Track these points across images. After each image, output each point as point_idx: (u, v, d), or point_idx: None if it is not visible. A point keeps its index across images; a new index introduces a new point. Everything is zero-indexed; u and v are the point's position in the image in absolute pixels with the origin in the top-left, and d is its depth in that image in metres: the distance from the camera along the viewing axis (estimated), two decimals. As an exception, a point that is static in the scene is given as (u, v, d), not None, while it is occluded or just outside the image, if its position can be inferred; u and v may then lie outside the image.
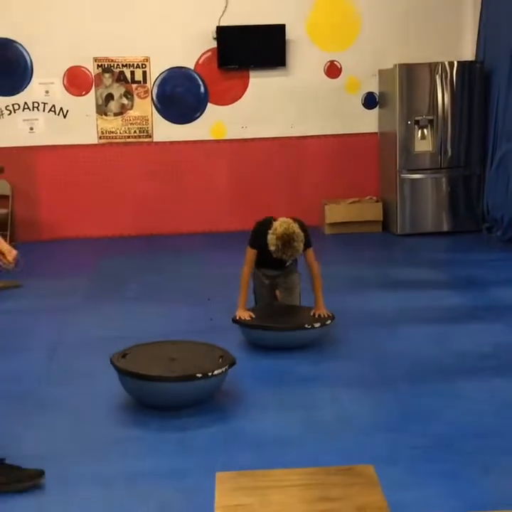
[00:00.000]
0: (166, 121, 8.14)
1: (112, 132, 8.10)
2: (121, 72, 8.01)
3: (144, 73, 8.04)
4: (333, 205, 8.12)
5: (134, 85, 8.06)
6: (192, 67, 8.09)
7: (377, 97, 8.28)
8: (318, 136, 8.28)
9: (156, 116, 8.12)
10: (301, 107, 8.20)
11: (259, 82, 8.13)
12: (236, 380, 4.05)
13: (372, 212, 8.14)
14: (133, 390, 3.84)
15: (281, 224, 4.52)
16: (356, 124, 8.29)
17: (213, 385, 3.82)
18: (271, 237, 4.50)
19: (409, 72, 7.70)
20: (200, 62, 8.08)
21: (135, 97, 8.07)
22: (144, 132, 8.14)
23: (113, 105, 8.06)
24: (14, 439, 3.55)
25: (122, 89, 8.05)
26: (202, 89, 8.12)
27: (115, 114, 8.08)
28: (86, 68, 7.97)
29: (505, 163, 7.53)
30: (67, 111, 8.01)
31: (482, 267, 6.59)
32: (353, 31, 8.14)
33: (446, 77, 7.70)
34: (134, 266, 7.00)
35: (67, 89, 7.98)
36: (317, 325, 4.59)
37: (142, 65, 8.02)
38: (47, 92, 7.95)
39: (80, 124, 8.03)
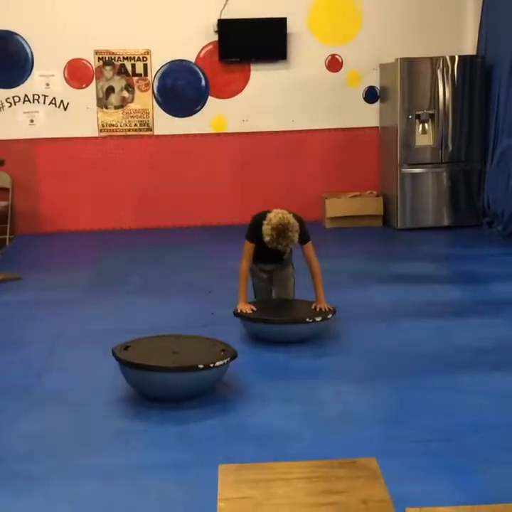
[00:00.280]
0: (167, 115, 8.12)
1: (113, 125, 8.09)
2: (122, 65, 7.99)
3: (145, 66, 8.02)
4: (334, 199, 8.12)
5: (135, 78, 8.04)
6: (193, 60, 8.07)
7: (378, 91, 8.27)
8: (319, 130, 8.27)
9: (157, 109, 8.11)
10: (302, 100, 8.18)
11: (260, 76, 8.12)
12: (237, 374, 4.06)
13: (372, 206, 8.14)
14: (135, 381, 3.85)
15: (276, 214, 4.54)
16: (357, 118, 8.28)
17: (215, 376, 3.83)
18: (265, 228, 4.50)
19: (410, 66, 7.69)
20: (201, 55, 8.06)
21: (136, 89, 8.05)
22: (144, 125, 8.13)
23: (114, 98, 8.05)
24: (15, 432, 3.56)
25: (123, 82, 8.03)
26: (203, 82, 8.11)
27: (116, 107, 8.07)
28: (87, 61, 7.95)
29: (506, 158, 7.52)
30: (68, 103, 8.00)
31: (482, 262, 6.60)
32: (354, 25, 8.13)
33: (447, 71, 7.69)
34: (135, 259, 7.00)
35: (67, 81, 7.97)
36: (318, 318, 4.60)
37: (143, 57, 8.00)
38: (47, 84, 7.94)
39: (81, 117, 8.01)
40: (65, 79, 7.96)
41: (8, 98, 7.93)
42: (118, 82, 8.03)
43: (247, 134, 8.23)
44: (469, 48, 8.17)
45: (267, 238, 4.51)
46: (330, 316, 4.67)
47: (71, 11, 7.81)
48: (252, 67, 8.11)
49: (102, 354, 4.17)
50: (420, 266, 6.51)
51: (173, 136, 8.15)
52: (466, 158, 7.89)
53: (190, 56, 8.06)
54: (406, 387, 3.95)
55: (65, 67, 7.94)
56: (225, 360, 3.81)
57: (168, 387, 3.75)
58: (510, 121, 7.44)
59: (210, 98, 8.13)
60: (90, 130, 8.06)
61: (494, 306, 5.34)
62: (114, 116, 8.08)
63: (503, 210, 7.55)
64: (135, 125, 8.11)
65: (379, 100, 8.28)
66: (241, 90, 8.15)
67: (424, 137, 7.81)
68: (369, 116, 8.29)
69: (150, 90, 8.07)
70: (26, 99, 7.95)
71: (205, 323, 4.96)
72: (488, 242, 7.39)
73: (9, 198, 7.95)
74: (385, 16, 8.11)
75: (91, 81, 7.99)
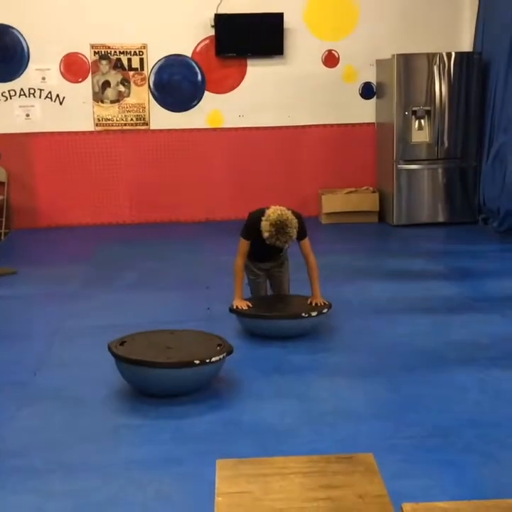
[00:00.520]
0: (163, 109, 8.10)
1: (109, 119, 8.07)
2: (119, 59, 7.96)
3: (141, 60, 8.00)
4: (330, 195, 8.12)
5: (131, 72, 8.02)
6: (189, 54, 8.05)
7: (374, 87, 8.26)
8: (315, 126, 8.26)
9: (153, 103, 8.08)
10: (299, 96, 8.17)
11: (257, 71, 8.10)
12: (233, 369, 4.06)
13: (368, 202, 8.14)
14: (131, 377, 3.85)
15: (275, 211, 4.53)
16: (353, 114, 8.27)
17: (211, 372, 3.83)
18: (264, 224, 4.49)
19: (407, 62, 7.68)
20: (198, 50, 8.04)
21: (132, 84, 8.03)
22: (140, 120, 8.10)
23: (110, 92, 8.02)
24: (11, 427, 3.55)
25: (119, 77, 8.01)
26: (199, 77, 8.09)
27: (112, 102, 8.04)
28: (83, 55, 7.92)
29: (502, 155, 7.53)
30: (64, 98, 7.97)
31: (478, 258, 6.61)
32: (351, 20, 8.11)
33: (444, 67, 7.68)
34: (131, 254, 6.99)
35: (63, 75, 7.94)
36: (314, 313, 4.61)
37: (139, 52, 7.98)
38: (43, 78, 7.90)
39: (77, 111, 7.98)
40: (61, 73, 7.93)
41: (4, 92, 7.90)
42: (114, 77, 8.00)
43: (243, 129, 8.22)
44: (466, 44, 8.16)
45: (265, 234, 4.49)
46: (325, 310, 4.68)
47: (67, 4, 7.77)
48: (249, 62, 8.10)
49: (98, 349, 4.17)
50: (416, 262, 6.52)
51: (169, 130, 8.14)
52: (462, 154, 7.89)
53: (187, 51, 8.04)
54: (402, 383, 3.96)
55: (61, 61, 7.91)
56: (221, 356, 3.82)
57: (164, 383, 3.75)
58: (507, 117, 7.44)
59: (206, 93, 8.11)
60: (86, 124, 8.03)
61: (490, 302, 5.35)
62: (110, 111, 8.06)
63: (498, 206, 7.55)
64: (131, 120, 8.09)
65: (375, 96, 8.28)
66: (237, 85, 8.14)
67: (421, 133, 7.80)
68: (365, 112, 8.29)
69: (146, 85, 8.04)
70: (22, 93, 7.92)
71: (201, 318, 4.96)
72: (483, 239, 7.40)
73: (5, 192, 7.93)
74: (382, 12, 8.10)
75: (87, 75, 7.96)
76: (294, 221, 4.50)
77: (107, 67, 7.97)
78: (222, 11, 7.88)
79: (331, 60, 8.18)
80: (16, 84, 7.90)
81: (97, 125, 8.07)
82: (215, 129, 8.20)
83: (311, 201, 8.20)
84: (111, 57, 7.95)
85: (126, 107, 8.06)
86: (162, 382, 3.75)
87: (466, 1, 8.16)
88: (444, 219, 8.00)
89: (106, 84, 8.00)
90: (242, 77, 8.13)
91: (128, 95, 8.04)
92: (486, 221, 7.88)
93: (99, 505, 2.90)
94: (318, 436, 3.39)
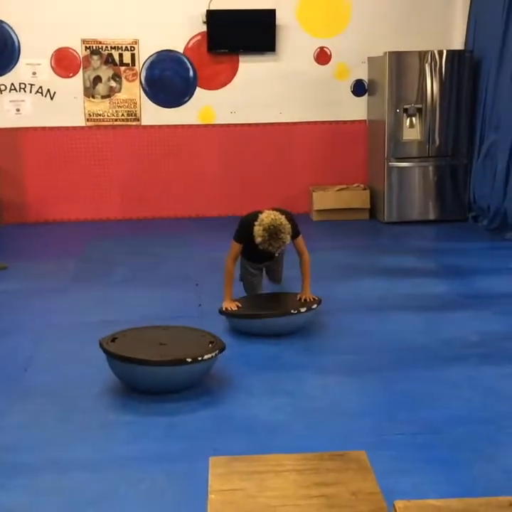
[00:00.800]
0: (154, 105, 8.08)
1: (100, 115, 8.04)
2: (110, 55, 7.93)
3: (133, 56, 7.97)
4: (321, 192, 8.13)
5: (123, 68, 7.99)
6: (181, 50, 8.03)
7: (366, 85, 8.27)
8: (306, 123, 8.26)
9: (144, 99, 8.06)
10: (290, 93, 8.17)
11: (249, 67, 8.09)
12: (226, 366, 4.06)
13: (359, 199, 8.15)
14: (122, 373, 3.84)
15: (268, 215, 4.49)
16: (345, 112, 8.28)
17: (203, 369, 3.83)
18: (257, 229, 4.46)
19: (398, 59, 7.69)
20: (190, 45, 8.02)
21: (123, 79, 8.00)
22: (131, 115, 8.08)
23: (101, 88, 7.99)
24: (1, 423, 3.54)
25: (110, 72, 7.98)
26: (191, 73, 8.07)
27: (103, 97, 8.01)
28: (74, 50, 7.89)
29: (493, 153, 7.56)
30: (55, 93, 7.93)
31: (468, 256, 6.63)
32: (343, 18, 8.12)
33: (435, 65, 7.70)
34: (122, 249, 6.97)
35: (54, 70, 7.90)
36: (303, 309, 4.61)
37: (131, 47, 7.95)
38: (34, 73, 7.86)
39: (67, 106, 7.95)
40: (52, 68, 7.89)
41: (-6, 86, 7.87)
42: (105, 72, 7.97)
43: (234, 125, 8.21)
44: (457, 42, 8.18)
45: (258, 239, 4.47)
46: (315, 306, 4.68)
47: (58, -1, 7.75)
48: (241, 58, 8.09)
49: (89, 345, 4.16)
50: (407, 259, 6.54)
51: (160, 126, 8.12)
52: (453, 152, 7.92)
53: (179, 46, 8.01)
54: (393, 380, 3.97)
55: (51, 56, 7.87)
56: (214, 353, 3.81)
57: (155, 380, 3.75)
58: (497, 116, 7.47)
59: (198, 89, 8.10)
60: (77, 120, 8.00)
61: (480, 299, 5.38)
62: (101, 106, 8.02)
63: (488, 204, 7.59)
64: (122, 115, 8.06)
65: (367, 93, 8.28)
66: (229, 82, 8.12)
67: (412, 131, 7.82)
68: (357, 109, 8.30)
69: (137, 80, 8.02)
70: (12, 87, 7.87)
71: (192, 314, 4.96)
72: (473, 237, 7.43)
73: (-6, 187, 7.89)
74: (374, 9, 8.11)
75: (78, 70, 7.93)
76: (288, 226, 4.48)
77: (98, 63, 7.94)
78: (214, 7, 7.86)
79: (323, 57, 8.18)
80: (6, 78, 7.85)
81: (88, 120, 8.03)
82: (206, 125, 8.18)
83: (302, 198, 8.21)
84: (102, 52, 7.92)
85: (118, 103, 8.03)
86: (154, 380, 3.74)
87: (458, -1, 8.19)
88: (434, 217, 8.03)
89: (97, 79, 7.97)
90: (234, 74, 8.12)
91: (119, 91, 8.01)
92: (476, 219, 7.91)
93: (91, 502, 2.89)
94: (310, 433, 3.39)
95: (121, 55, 7.96)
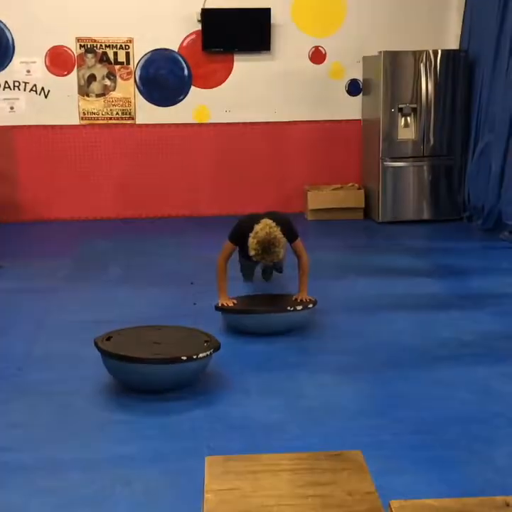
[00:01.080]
0: (149, 104, 8.07)
1: (94, 113, 8.02)
2: (104, 53, 7.92)
3: (127, 54, 7.96)
4: (316, 192, 8.13)
5: (117, 66, 7.97)
6: (176, 49, 8.02)
7: (361, 84, 8.27)
8: (301, 122, 8.26)
9: (139, 98, 8.05)
10: (285, 92, 8.17)
11: (244, 66, 8.09)
12: (221, 365, 4.06)
13: (354, 199, 8.16)
14: (117, 372, 3.83)
15: (263, 228, 4.44)
16: (340, 111, 8.28)
17: (198, 368, 3.82)
18: (251, 241, 4.45)
19: (393, 59, 7.69)
20: (184, 44, 8.01)
21: (118, 78, 7.98)
22: (126, 114, 8.06)
23: (95, 86, 7.97)
24: (-3, 421, 3.54)
25: (105, 70, 7.96)
26: (185, 72, 8.06)
27: (97, 95, 8.00)
28: (68, 48, 7.86)
29: (487, 153, 7.57)
30: (49, 91, 7.91)
31: (462, 256, 6.64)
32: (338, 17, 8.12)
33: (430, 65, 7.71)
34: (116, 248, 6.96)
35: (48, 68, 7.88)
36: (299, 307, 4.63)
37: (125, 46, 7.93)
38: (28, 71, 7.84)
39: (62, 105, 7.93)
40: (46, 66, 7.87)
41: (-12, 84, 7.84)
42: (100, 70, 7.95)
43: (229, 124, 8.20)
44: (452, 42, 8.19)
45: (252, 252, 4.47)
46: (311, 305, 4.69)
47: (53, -3, 7.72)
48: (236, 57, 8.08)
49: (84, 344, 4.15)
50: (401, 259, 6.55)
51: (154, 125, 8.11)
52: (447, 152, 7.93)
53: (173, 45, 8.00)
54: (388, 380, 3.98)
55: (46, 54, 7.85)
56: (209, 352, 3.81)
57: (150, 379, 3.74)
58: (492, 116, 7.48)
59: (192, 88, 8.09)
60: (71, 118, 7.98)
61: (474, 299, 5.39)
62: (95, 105, 8.01)
63: (483, 204, 7.60)
64: (117, 114, 8.05)
65: (362, 93, 8.29)
66: (224, 81, 8.12)
67: (406, 131, 7.83)
68: (351, 108, 8.30)
69: (132, 79, 8.01)
70: (6, 85, 7.85)
71: (187, 313, 4.95)
72: (468, 237, 7.44)
73: (-12, 185, 7.86)
74: (369, 9, 8.11)
75: (72, 68, 7.91)
76: (282, 240, 4.45)
77: (92, 61, 7.92)
78: (209, 5, 7.85)
79: (317, 56, 8.18)
80: (0, 76, 7.82)
81: (82, 119, 8.02)
82: (201, 124, 8.18)
83: (296, 197, 8.21)
84: (97, 50, 7.90)
85: (112, 101, 8.02)
86: (149, 379, 3.74)
87: (452, -1, 8.20)
88: (429, 216, 8.04)
89: (91, 77, 7.95)
90: (229, 73, 8.11)
91: (114, 89, 8.00)
92: (470, 219, 7.92)
93: (86, 502, 2.88)
94: (305, 432, 3.39)
95: (115, 54, 7.94)
